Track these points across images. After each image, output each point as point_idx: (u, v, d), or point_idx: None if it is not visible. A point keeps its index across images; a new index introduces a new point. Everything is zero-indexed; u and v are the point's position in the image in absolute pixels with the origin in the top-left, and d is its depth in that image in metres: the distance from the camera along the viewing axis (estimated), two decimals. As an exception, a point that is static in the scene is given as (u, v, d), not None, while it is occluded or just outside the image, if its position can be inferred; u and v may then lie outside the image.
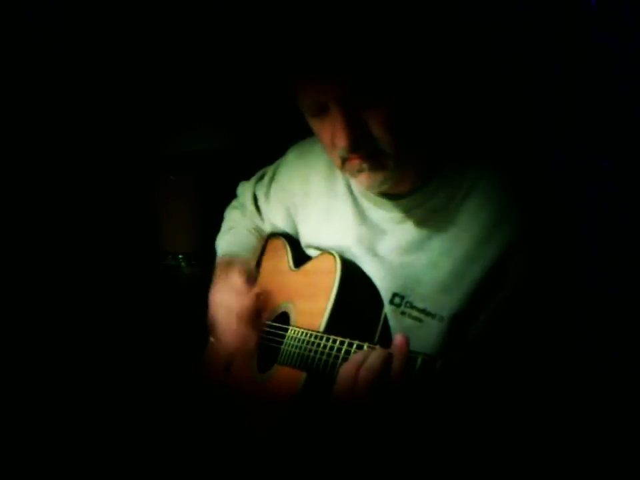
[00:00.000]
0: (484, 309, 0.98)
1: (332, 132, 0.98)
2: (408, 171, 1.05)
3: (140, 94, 2.08)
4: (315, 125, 1.02)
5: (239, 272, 1.26)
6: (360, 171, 1.01)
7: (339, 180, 1.21)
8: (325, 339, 1.03)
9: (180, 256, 2.19)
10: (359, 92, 0.93)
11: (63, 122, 2.01)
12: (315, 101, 0.98)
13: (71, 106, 2.01)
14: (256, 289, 1.24)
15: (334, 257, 1.13)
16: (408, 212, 1.08)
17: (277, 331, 1.21)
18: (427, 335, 1.00)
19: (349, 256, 1.15)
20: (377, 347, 0.91)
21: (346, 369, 0.89)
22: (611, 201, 1.29)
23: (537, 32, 1.38)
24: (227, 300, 1.24)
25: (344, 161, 1.01)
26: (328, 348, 1.01)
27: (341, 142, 0.96)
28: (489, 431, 0.80)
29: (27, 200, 1.97)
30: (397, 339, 0.85)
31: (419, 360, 0.84)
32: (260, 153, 1.65)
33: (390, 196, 1.10)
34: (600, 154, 1.31)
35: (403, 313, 1.04)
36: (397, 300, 1.05)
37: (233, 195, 1.56)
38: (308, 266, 1.24)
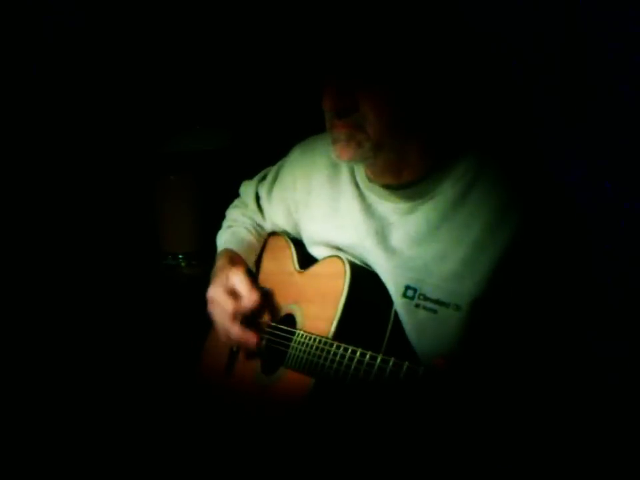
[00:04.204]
0: (502, 296, 0.98)
1: (324, 96, 1.03)
2: (407, 161, 1.07)
3: (140, 94, 2.08)
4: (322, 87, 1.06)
5: (237, 274, 1.26)
6: (336, 140, 1.04)
7: (343, 175, 1.21)
8: (335, 346, 1.02)
9: (180, 256, 2.18)
10: (357, 70, 0.99)
11: (62, 122, 2.01)
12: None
13: (71, 106, 2.00)
14: (255, 292, 1.23)
15: (342, 261, 1.12)
16: (414, 203, 1.08)
17: (283, 334, 1.20)
18: (442, 326, 1.01)
19: (360, 250, 1.14)
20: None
21: None
22: (616, 197, 1.29)
23: (541, 26, 1.38)
24: (223, 300, 1.24)
25: (329, 129, 1.06)
26: (339, 356, 1.00)
27: (327, 104, 1.02)
28: (491, 432, 0.81)
29: (27, 199, 1.97)
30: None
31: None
32: (260, 152, 1.66)
33: (394, 187, 1.11)
34: (606, 149, 1.31)
35: (417, 306, 1.03)
36: (409, 293, 1.05)
37: (233, 195, 1.56)
38: (315, 269, 1.23)
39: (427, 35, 1.01)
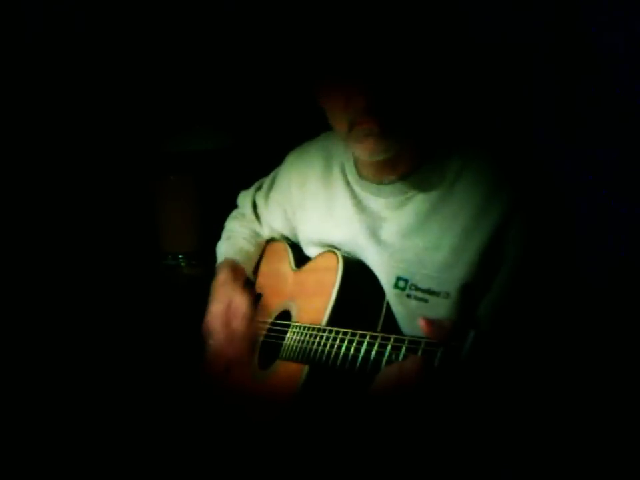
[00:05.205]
0: (489, 280, 1.01)
1: (348, 95, 1.01)
2: (403, 155, 1.09)
3: (140, 94, 2.08)
4: (325, 88, 1.05)
5: (241, 294, 1.29)
6: (368, 135, 1.02)
7: (336, 174, 1.23)
8: (327, 331, 1.05)
9: (180, 256, 2.19)
10: (369, 71, 0.99)
11: (62, 122, 2.01)
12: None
13: (71, 106, 2.01)
14: (250, 311, 1.27)
15: (335, 254, 1.15)
16: (404, 196, 1.10)
17: (278, 327, 1.23)
18: (433, 314, 1.02)
19: (354, 246, 1.16)
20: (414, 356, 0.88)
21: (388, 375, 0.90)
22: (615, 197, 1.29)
23: (535, 22, 1.39)
24: (223, 320, 1.28)
25: (352, 126, 1.03)
26: (330, 339, 1.03)
27: (360, 102, 0.99)
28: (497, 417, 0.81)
29: (27, 200, 1.97)
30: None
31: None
32: (260, 152, 1.66)
33: (386, 182, 1.12)
34: (605, 150, 1.32)
35: (408, 296, 1.06)
36: (401, 284, 1.07)
37: (233, 195, 1.57)
38: (310, 265, 1.26)
39: (431, 36, 1.04)
